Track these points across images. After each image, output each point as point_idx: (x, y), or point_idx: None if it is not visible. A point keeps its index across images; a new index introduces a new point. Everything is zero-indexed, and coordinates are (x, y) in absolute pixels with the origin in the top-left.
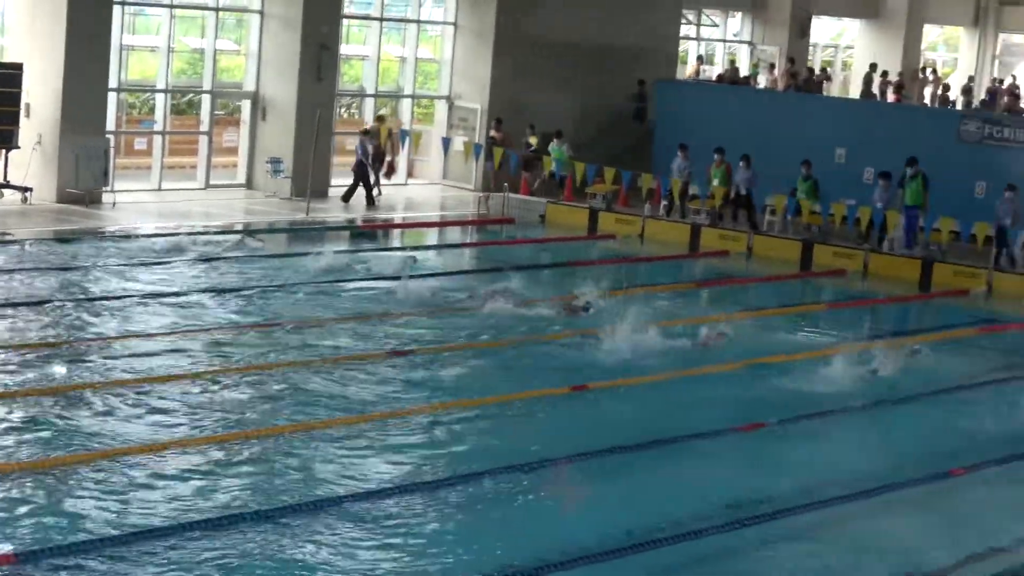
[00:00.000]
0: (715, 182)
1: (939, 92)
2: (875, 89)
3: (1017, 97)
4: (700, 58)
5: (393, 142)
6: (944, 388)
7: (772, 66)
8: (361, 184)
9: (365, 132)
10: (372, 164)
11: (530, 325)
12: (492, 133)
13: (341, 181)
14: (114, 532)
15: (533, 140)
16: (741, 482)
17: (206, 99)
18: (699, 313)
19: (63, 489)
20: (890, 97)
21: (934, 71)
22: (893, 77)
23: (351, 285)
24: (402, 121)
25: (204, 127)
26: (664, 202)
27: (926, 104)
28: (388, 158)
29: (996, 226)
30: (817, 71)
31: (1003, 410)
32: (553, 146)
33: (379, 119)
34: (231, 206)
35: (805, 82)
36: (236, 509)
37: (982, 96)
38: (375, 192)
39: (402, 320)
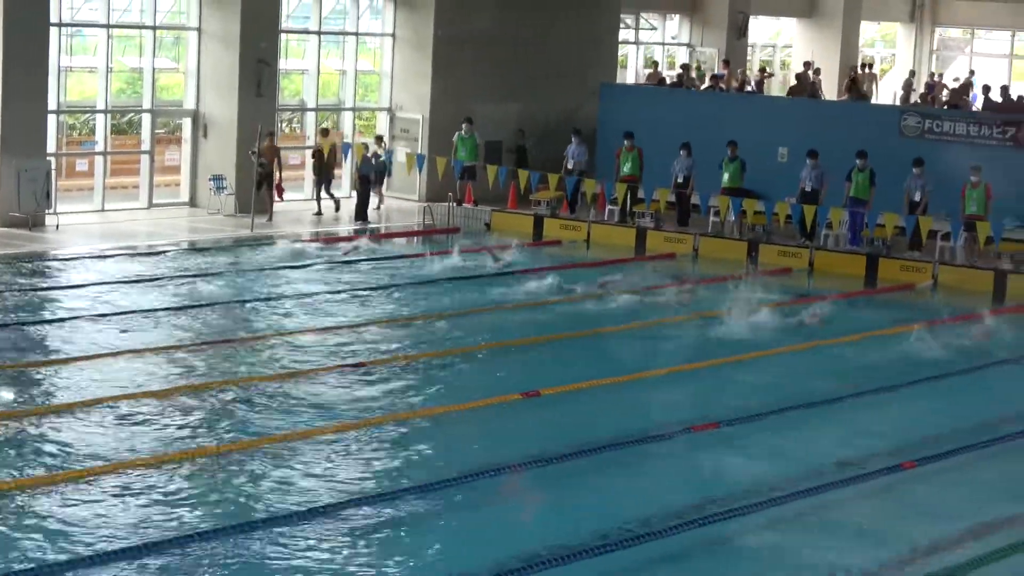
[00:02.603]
0: (626, 168)
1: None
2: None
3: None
4: (656, 63)
5: (280, 161)
6: (899, 383)
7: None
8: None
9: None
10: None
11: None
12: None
13: (285, 196)
14: (85, 552)
15: (380, 149)
16: (694, 484)
17: (146, 118)
18: (648, 317)
19: (24, 510)
20: (833, 95)
21: (866, 66)
22: (831, 74)
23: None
24: (343, 133)
25: (145, 146)
26: (610, 207)
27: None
28: (276, 179)
29: (908, 202)
30: (755, 71)
31: (963, 401)
32: (460, 134)
33: (323, 132)
34: (175, 225)
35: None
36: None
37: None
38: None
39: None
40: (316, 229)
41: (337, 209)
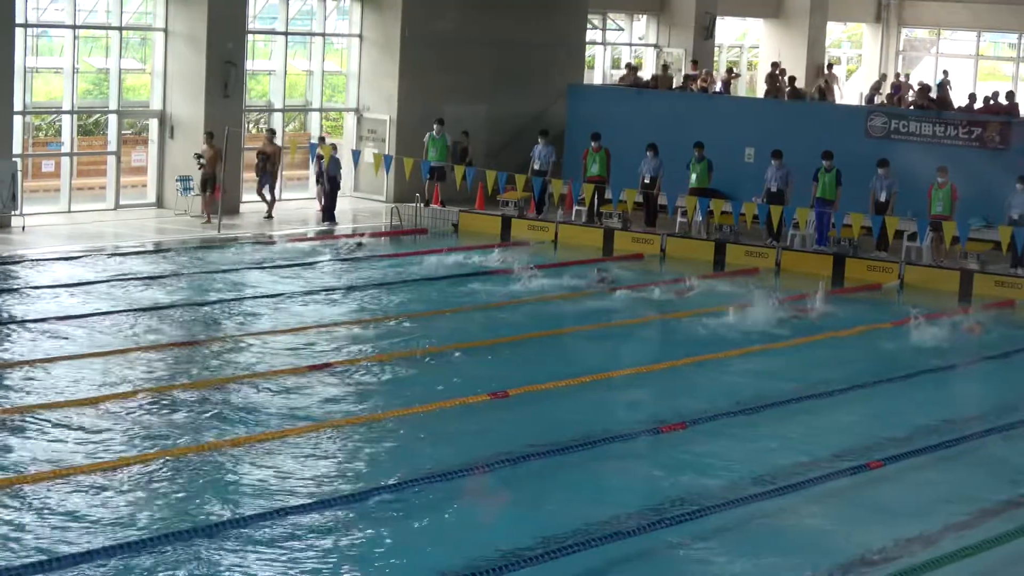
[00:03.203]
0: (593, 168)
1: (834, 86)
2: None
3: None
4: (630, 65)
5: (223, 164)
6: (866, 382)
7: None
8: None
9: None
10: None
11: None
12: (261, 146)
13: (252, 196)
14: (41, 557)
15: (325, 151)
16: (660, 485)
17: (113, 119)
18: (615, 318)
19: None
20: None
21: (830, 66)
22: (798, 74)
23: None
24: (311, 135)
25: (112, 147)
26: (577, 207)
27: (833, 100)
28: (217, 181)
29: (873, 202)
30: (723, 71)
31: (925, 401)
32: (431, 135)
33: (269, 134)
34: (142, 225)
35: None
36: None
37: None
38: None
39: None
40: (285, 231)
41: (270, 210)
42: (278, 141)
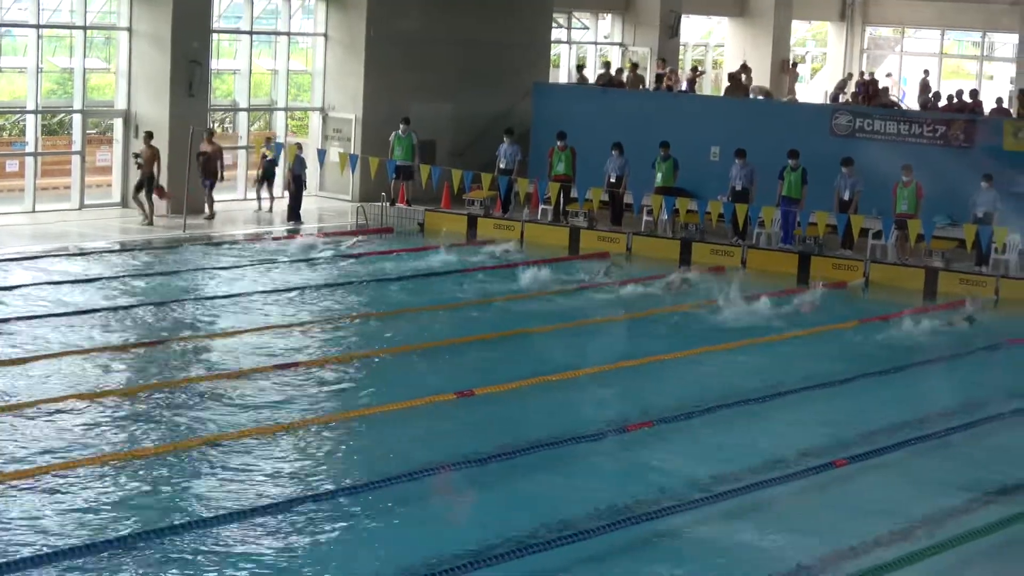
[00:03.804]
0: (559, 167)
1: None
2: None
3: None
4: (607, 64)
5: (159, 164)
6: (829, 381)
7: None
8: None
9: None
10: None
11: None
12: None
13: (218, 197)
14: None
15: (269, 152)
16: (625, 484)
17: (77, 119)
18: (579, 316)
19: None
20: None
21: (794, 64)
22: (763, 73)
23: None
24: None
25: (76, 147)
26: (543, 206)
27: (795, 98)
28: (157, 181)
29: (838, 201)
30: (688, 70)
31: (891, 398)
32: (397, 134)
33: (209, 134)
34: (107, 225)
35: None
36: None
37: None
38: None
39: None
40: (255, 230)
41: (210, 211)
42: (244, 141)
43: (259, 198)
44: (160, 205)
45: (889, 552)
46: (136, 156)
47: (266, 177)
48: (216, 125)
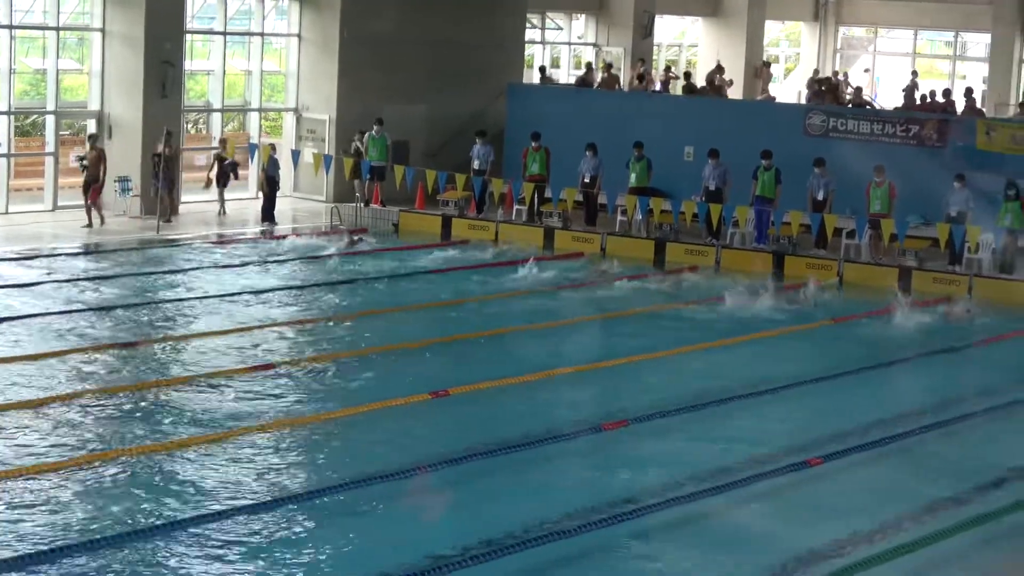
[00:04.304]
0: (533, 168)
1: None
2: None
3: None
4: (589, 64)
5: (105, 168)
6: (804, 379)
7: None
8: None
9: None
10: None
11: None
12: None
13: (191, 197)
14: None
15: (225, 153)
16: (601, 482)
17: (50, 120)
18: (556, 316)
19: None
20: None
21: (766, 64)
22: (736, 73)
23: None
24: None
25: (50, 148)
26: (517, 206)
27: (771, 98)
28: (99, 185)
29: (811, 201)
30: (661, 70)
31: (863, 399)
32: (371, 134)
33: (167, 135)
34: (80, 227)
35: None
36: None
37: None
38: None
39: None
40: (221, 231)
41: (168, 214)
42: (217, 143)
43: (221, 200)
44: (134, 204)
45: (861, 552)
46: (81, 159)
47: (221, 178)
48: (190, 126)
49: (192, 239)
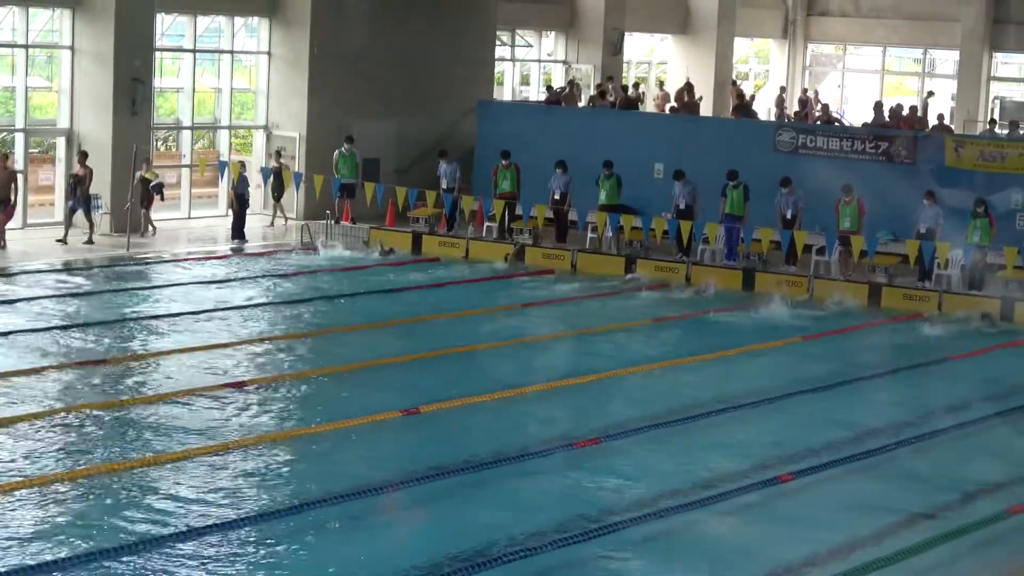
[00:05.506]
0: (503, 185)
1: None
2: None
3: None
4: (572, 82)
5: (16, 187)
6: (779, 395)
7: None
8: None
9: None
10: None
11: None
12: (76, 171)
13: (161, 216)
14: None
15: (148, 174)
16: (574, 499)
17: (19, 137)
18: (528, 333)
19: None
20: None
21: (734, 82)
22: (706, 90)
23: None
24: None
25: (19, 166)
26: (488, 223)
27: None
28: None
29: (781, 219)
30: (631, 88)
31: (836, 413)
32: (341, 152)
33: (82, 156)
34: (50, 245)
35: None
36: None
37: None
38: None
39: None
40: (192, 248)
41: (92, 233)
42: (188, 159)
43: (147, 220)
44: (104, 222)
45: (833, 567)
46: (74, 176)
47: (146, 199)
48: (159, 143)
49: (163, 257)
